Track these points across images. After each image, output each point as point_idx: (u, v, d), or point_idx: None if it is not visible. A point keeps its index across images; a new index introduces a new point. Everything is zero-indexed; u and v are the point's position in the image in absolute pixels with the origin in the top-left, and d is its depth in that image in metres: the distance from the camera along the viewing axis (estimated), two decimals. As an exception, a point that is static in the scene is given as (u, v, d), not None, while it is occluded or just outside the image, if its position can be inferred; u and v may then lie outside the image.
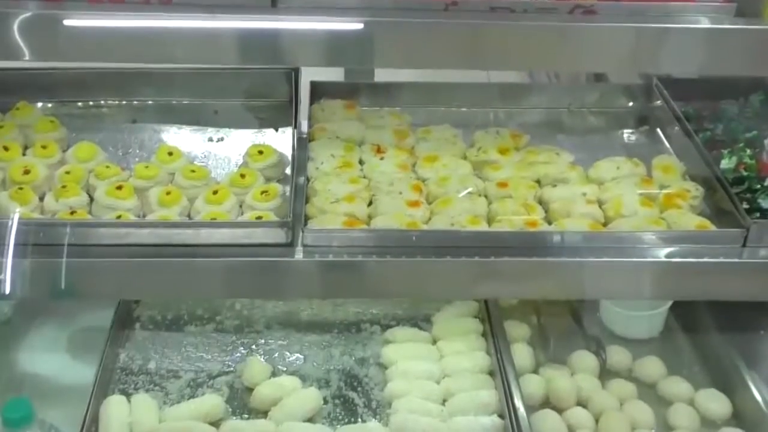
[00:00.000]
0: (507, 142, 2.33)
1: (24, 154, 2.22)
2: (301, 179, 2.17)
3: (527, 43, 1.71)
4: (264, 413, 2.40)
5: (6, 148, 2.19)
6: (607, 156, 2.29)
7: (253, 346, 2.62)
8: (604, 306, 2.70)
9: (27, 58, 1.66)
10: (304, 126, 2.36)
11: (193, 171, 2.16)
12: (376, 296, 2.65)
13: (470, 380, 2.45)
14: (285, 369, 2.54)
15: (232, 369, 2.54)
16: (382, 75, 2.58)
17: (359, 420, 2.41)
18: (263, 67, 2.45)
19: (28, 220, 1.94)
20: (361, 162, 2.26)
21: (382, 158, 2.25)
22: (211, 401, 2.40)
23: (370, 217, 2.08)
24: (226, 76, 2.48)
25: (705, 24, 1.72)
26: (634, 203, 2.10)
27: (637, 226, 2.03)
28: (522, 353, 2.54)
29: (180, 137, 2.37)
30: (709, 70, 1.83)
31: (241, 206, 2.10)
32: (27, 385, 2.45)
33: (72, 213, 2.01)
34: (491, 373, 2.48)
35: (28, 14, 1.63)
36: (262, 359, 2.55)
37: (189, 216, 2.08)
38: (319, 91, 2.48)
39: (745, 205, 2.08)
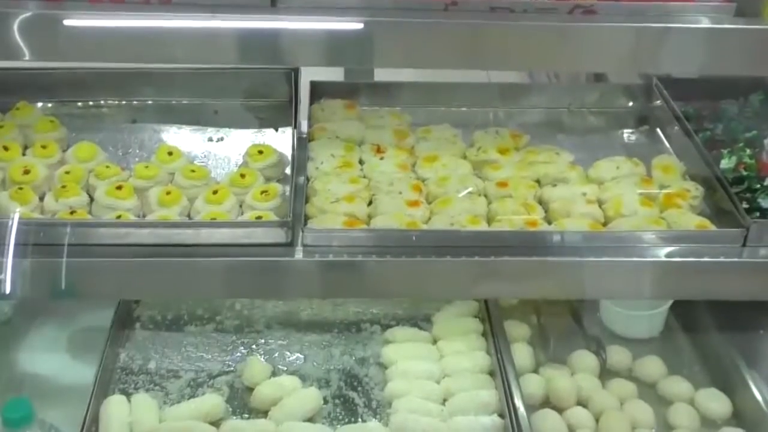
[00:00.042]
0: (507, 142, 2.33)
1: (24, 154, 2.22)
2: (301, 179, 2.17)
3: (527, 43, 1.71)
4: (264, 413, 2.40)
5: (6, 148, 2.19)
6: (607, 156, 2.29)
7: (254, 346, 2.62)
8: (604, 306, 2.70)
9: (27, 58, 1.66)
10: (304, 126, 2.36)
11: (193, 171, 2.16)
12: (376, 296, 2.65)
13: (470, 380, 2.45)
14: (285, 369, 2.54)
15: (232, 369, 2.54)
16: (382, 75, 2.58)
17: (359, 420, 2.41)
18: (263, 67, 2.45)
19: (28, 220, 1.94)
20: (361, 162, 2.26)
21: (382, 158, 2.25)
22: (212, 401, 2.40)
23: (370, 217, 2.08)
24: (226, 76, 2.48)
25: (705, 24, 1.72)
26: (634, 203, 2.10)
27: (637, 226, 2.03)
28: (522, 353, 2.54)
29: (180, 137, 2.37)
30: (709, 70, 1.83)
31: (241, 206, 2.10)
32: (27, 385, 2.45)
33: (72, 213, 2.01)
34: (491, 373, 2.48)
35: (28, 14, 1.63)
36: (262, 359, 2.55)
37: (189, 216, 2.08)
38: (319, 91, 2.48)
39: (745, 205, 2.08)
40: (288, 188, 2.11)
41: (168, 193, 2.07)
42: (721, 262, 1.95)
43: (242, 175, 2.14)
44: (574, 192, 2.15)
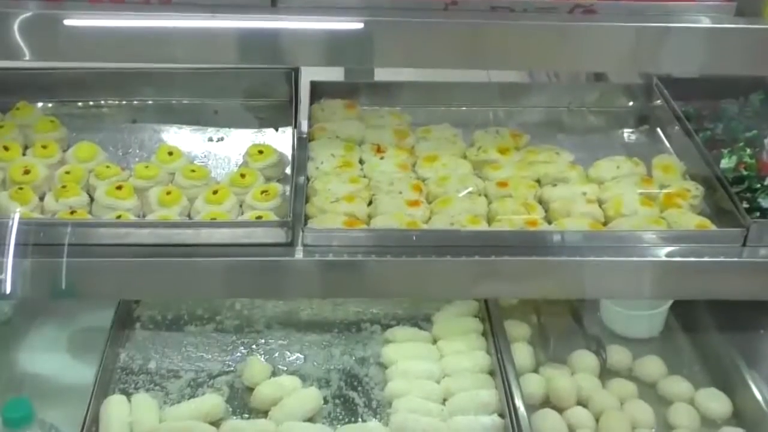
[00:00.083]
0: (507, 142, 2.33)
1: (24, 154, 2.22)
2: (301, 179, 2.17)
3: (527, 43, 1.71)
4: (264, 413, 2.40)
5: (6, 148, 2.19)
6: (607, 155, 2.29)
7: (254, 346, 2.62)
8: (604, 305, 2.70)
9: (27, 58, 1.66)
10: (304, 126, 2.36)
11: (193, 171, 2.16)
12: (376, 296, 2.65)
13: (470, 380, 2.45)
14: (285, 369, 2.54)
15: (232, 369, 2.54)
16: (382, 75, 2.59)
17: (359, 420, 2.41)
18: (263, 67, 2.44)
19: (28, 220, 1.94)
20: (361, 162, 2.26)
21: (382, 158, 2.25)
22: (212, 401, 2.40)
23: (370, 217, 2.08)
24: (226, 76, 2.48)
25: (705, 23, 1.72)
26: (634, 203, 2.10)
27: (637, 226, 2.03)
28: (522, 353, 2.54)
29: (180, 137, 2.37)
30: (709, 69, 1.82)
31: (241, 206, 2.10)
32: (27, 385, 2.45)
33: (72, 213, 2.01)
34: (491, 373, 2.48)
35: (28, 14, 1.63)
36: (262, 359, 2.55)
37: (189, 216, 2.08)
38: (319, 90, 2.48)
39: (745, 205, 2.08)
40: (288, 188, 2.11)
41: (168, 193, 2.07)
42: (721, 262, 1.95)
43: (242, 175, 2.14)
44: (574, 192, 2.15)
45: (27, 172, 2.10)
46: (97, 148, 2.23)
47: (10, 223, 1.87)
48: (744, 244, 1.97)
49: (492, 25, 1.69)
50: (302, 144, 2.27)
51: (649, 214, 2.08)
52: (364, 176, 2.20)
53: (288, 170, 2.20)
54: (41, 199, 2.07)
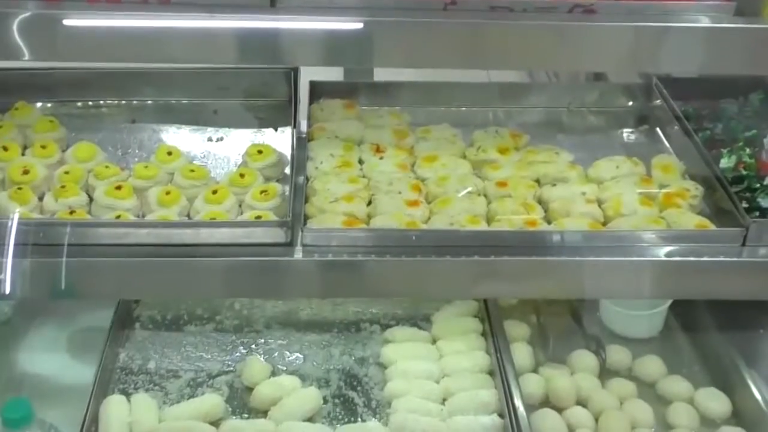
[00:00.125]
0: (506, 142, 2.33)
1: (23, 154, 2.22)
2: (301, 179, 2.17)
3: (527, 43, 1.71)
4: (264, 413, 2.40)
5: (5, 148, 2.19)
6: (607, 155, 2.29)
7: (253, 346, 2.62)
8: (604, 305, 2.70)
9: (27, 58, 1.66)
10: (304, 126, 2.36)
11: (192, 171, 2.16)
12: (376, 296, 2.65)
13: (470, 380, 2.45)
14: (285, 368, 2.54)
15: (231, 369, 2.54)
16: (381, 75, 2.58)
17: (359, 419, 2.41)
18: (262, 67, 2.45)
19: (28, 220, 1.93)
20: (360, 161, 2.26)
21: (381, 158, 2.25)
22: (211, 401, 2.40)
23: (369, 217, 2.08)
24: (226, 76, 2.48)
25: (704, 23, 1.72)
26: (633, 202, 2.10)
27: (637, 226, 2.03)
28: (522, 353, 2.54)
29: (179, 137, 2.37)
30: (709, 69, 1.82)
31: (240, 206, 2.10)
32: (27, 385, 2.45)
33: (71, 213, 2.00)
34: (491, 373, 2.48)
35: (27, 14, 1.63)
36: (261, 359, 2.55)
37: (188, 216, 2.08)
38: (318, 90, 2.48)
39: (745, 204, 2.08)
40: (287, 188, 2.10)
41: (167, 193, 2.07)
42: (721, 262, 1.95)
43: (242, 175, 2.14)
44: (573, 191, 2.15)
45: (26, 172, 2.10)
46: (97, 148, 2.23)
47: (10, 223, 1.87)
48: (743, 244, 1.97)
49: (491, 25, 1.69)
50: (301, 144, 2.27)
51: (649, 213, 2.08)
52: (364, 176, 2.20)
53: (287, 170, 2.20)
54: (40, 199, 2.07)
